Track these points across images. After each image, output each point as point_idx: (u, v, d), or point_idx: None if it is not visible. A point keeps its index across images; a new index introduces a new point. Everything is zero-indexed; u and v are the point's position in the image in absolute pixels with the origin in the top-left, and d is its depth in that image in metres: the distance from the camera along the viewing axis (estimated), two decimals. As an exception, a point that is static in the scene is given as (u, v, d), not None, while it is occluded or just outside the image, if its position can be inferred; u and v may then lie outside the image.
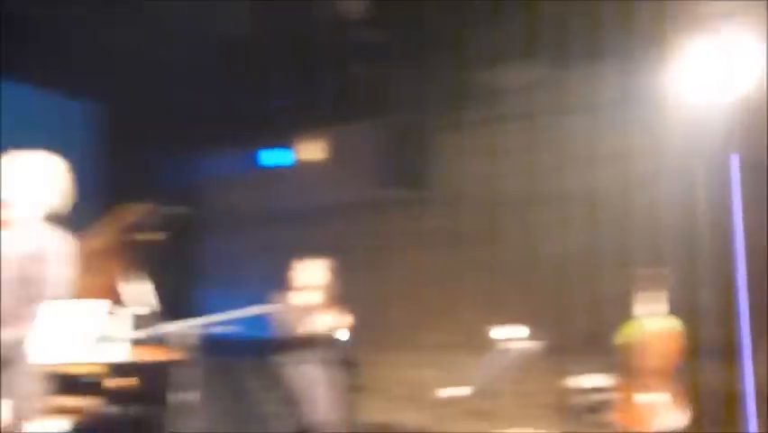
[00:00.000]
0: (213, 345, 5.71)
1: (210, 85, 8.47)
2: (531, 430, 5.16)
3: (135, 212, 3.73)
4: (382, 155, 8.61)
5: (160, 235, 3.93)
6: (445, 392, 4.90)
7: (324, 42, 7.33)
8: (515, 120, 8.20)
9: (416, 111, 8.28)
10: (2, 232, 2.87)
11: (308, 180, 9.74)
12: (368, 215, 9.12)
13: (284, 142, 9.97)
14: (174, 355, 3.82)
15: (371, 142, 8.78)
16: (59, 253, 2.89)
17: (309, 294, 5.13)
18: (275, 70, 8.03)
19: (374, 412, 8.91)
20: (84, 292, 3.94)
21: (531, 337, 4.85)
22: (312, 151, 9.82)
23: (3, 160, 2.92)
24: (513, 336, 4.59)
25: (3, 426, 2.77)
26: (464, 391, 4.53)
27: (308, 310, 5.02)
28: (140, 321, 3.81)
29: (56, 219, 2.98)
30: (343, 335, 5.12)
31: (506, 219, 8.17)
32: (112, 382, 3.33)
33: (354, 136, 9.25)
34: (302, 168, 9.85)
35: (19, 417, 2.86)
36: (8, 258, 2.83)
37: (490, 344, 4.70)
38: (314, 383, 4.88)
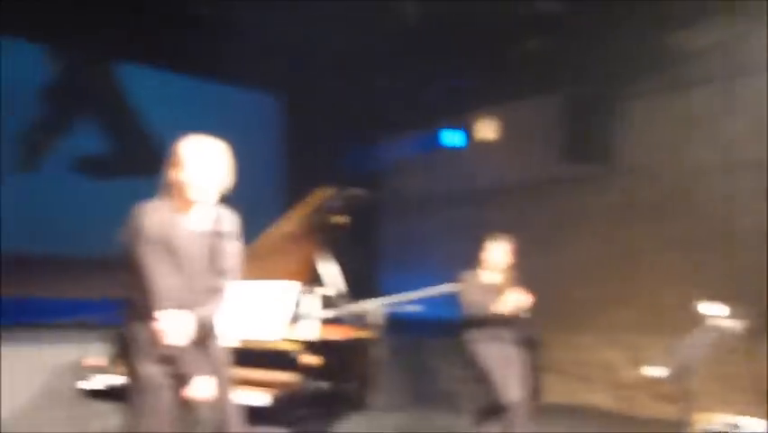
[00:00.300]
0: (400, 324, 5.82)
1: (386, 71, 8.60)
2: (737, 416, 4.78)
3: (323, 196, 3.81)
4: (563, 129, 8.29)
5: (346, 218, 4.00)
6: (640, 372, 4.63)
7: (500, 17, 7.15)
8: (704, 84, 7.65)
9: (598, 82, 7.90)
10: (185, 211, 3.07)
11: (487, 159, 9.65)
12: (550, 191, 8.89)
13: (461, 122, 9.94)
14: (362, 334, 3.90)
15: (551, 116, 8.48)
16: (233, 230, 3.15)
17: (497, 273, 5.05)
18: (451, 51, 7.97)
19: (559, 393, 8.73)
20: (277, 273, 4.14)
21: (732, 316, 4.47)
22: (490, 129, 9.70)
23: (183, 144, 3.09)
24: (712, 315, 4.24)
25: (207, 400, 2.96)
26: (659, 372, 4.25)
27: (496, 289, 4.94)
28: (328, 301, 3.91)
29: (224, 200, 3.18)
30: (527, 314, 5.02)
31: (698, 190, 7.66)
32: (306, 359, 3.42)
33: (533, 111, 8.99)
34: (481, 147, 9.77)
35: (221, 391, 3.05)
36: (193, 236, 3.06)
37: (684, 323, 4.39)
38: (504, 362, 4.81)
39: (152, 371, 2.93)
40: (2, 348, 5.96)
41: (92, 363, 3.85)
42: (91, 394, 3.85)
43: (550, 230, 8.69)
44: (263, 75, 8.91)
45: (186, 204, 3.08)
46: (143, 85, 9.18)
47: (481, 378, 4.86)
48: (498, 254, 5.05)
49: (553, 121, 8.38)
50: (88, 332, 4.25)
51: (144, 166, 8.90)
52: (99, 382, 3.73)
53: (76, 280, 7.78)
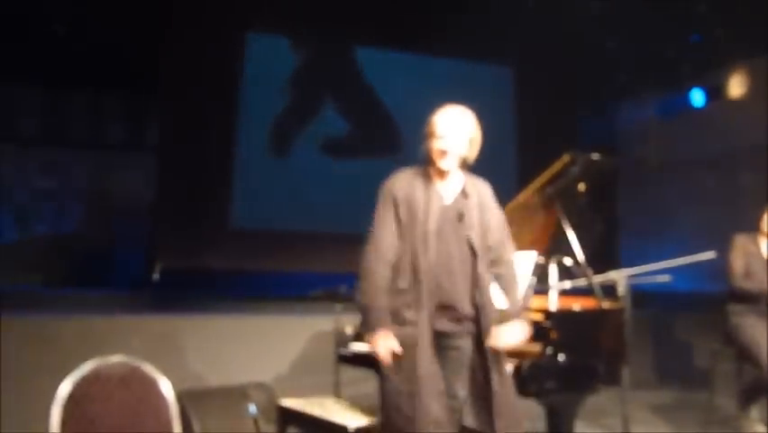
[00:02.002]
0: (647, 297, 5.62)
1: (618, 33, 8.25)
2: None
3: (564, 163, 3.76)
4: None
5: (586, 185, 3.93)
6: None
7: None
8: None
9: None
10: (440, 180, 3.12)
11: (740, 118, 8.93)
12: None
13: (708, 79, 9.29)
14: (605, 306, 3.83)
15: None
16: (493, 198, 3.21)
17: (762, 242, 4.63)
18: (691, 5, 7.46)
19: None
20: (516, 243, 4.17)
21: None
22: (743, 84, 8.98)
23: (437, 115, 3.12)
24: None
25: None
26: None
27: (760, 260, 4.55)
28: (568, 271, 3.87)
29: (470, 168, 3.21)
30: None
31: None
32: (545, 329, 3.43)
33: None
34: (732, 104, 9.07)
35: None
36: (445, 204, 3.09)
37: None
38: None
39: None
40: (268, 318, 6.59)
41: (346, 331, 4.14)
42: (346, 360, 4.14)
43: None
44: (495, 47, 8.92)
45: (439, 173, 3.12)
46: (380, 67, 9.57)
47: (745, 355, 4.54)
48: None
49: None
50: (343, 303, 4.55)
51: (384, 146, 9.38)
52: (353, 349, 4.00)
53: (330, 255, 8.33)
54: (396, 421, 2.93)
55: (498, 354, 3.04)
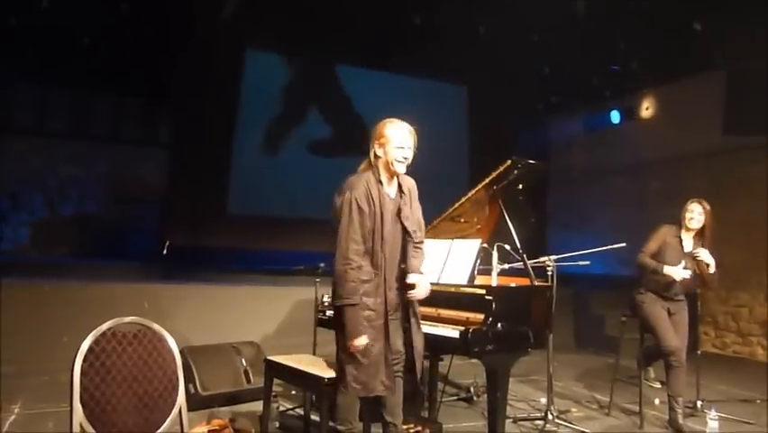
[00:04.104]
0: (570, 278, 5.69)
1: (555, 60, 8.30)
2: None
3: (506, 167, 3.78)
4: (726, 104, 7.51)
5: (523, 185, 3.96)
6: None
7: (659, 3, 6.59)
8: None
9: (763, 57, 7.05)
10: (388, 182, 3.11)
11: (649, 135, 9.05)
12: (708, 162, 8.13)
13: (625, 102, 9.41)
14: (535, 284, 3.86)
15: (713, 92, 7.73)
16: (416, 192, 3.22)
17: (689, 236, 4.58)
18: (615, 39, 7.51)
19: (714, 344, 8.15)
20: (466, 232, 4.20)
21: None
22: (652, 107, 9.11)
23: (387, 126, 3.11)
24: None
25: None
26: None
27: (681, 251, 4.52)
28: (506, 256, 3.90)
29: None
30: (683, 273, 4.58)
31: None
32: (487, 302, 3.45)
33: (694, 88, 8.24)
34: (643, 124, 9.19)
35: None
36: (391, 201, 3.11)
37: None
38: (667, 313, 4.51)
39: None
40: (258, 288, 6.56)
41: (324, 300, 4.14)
42: (322, 324, 4.14)
43: (708, 197, 7.98)
44: (452, 69, 8.93)
45: (390, 176, 3.12)
46: (357, 82, 9.53)
47: (646, 326, 4.59)
48: (692, 215, 4.50)
49: (714, 96, 7.64)
50: (320, 277, 4.54)
51: (358, 148, 9.32)
52: (329, 314, 3.99)
53: (310, 236, 8.33)
54: (352, 387, 3.02)
55: (412, 303, 3.16)
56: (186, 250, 8.14)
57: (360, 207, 2.99)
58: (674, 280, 4.42)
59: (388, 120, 3.15)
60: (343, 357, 3.04)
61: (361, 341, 2.97)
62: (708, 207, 4.54)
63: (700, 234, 4.57)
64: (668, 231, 4.57)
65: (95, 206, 10.29)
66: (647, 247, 4.53)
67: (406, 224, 3.10)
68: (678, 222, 4.59)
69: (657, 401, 5.08)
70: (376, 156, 3.10)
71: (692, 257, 4.45)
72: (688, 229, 4.56)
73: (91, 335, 2.26)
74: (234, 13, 7.59)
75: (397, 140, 3.08)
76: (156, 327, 2.43)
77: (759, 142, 7.40)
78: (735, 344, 7.95)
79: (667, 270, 4.39)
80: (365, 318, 2.99)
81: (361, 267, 2.98)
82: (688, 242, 4.57)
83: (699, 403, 4.87)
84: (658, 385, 5.04)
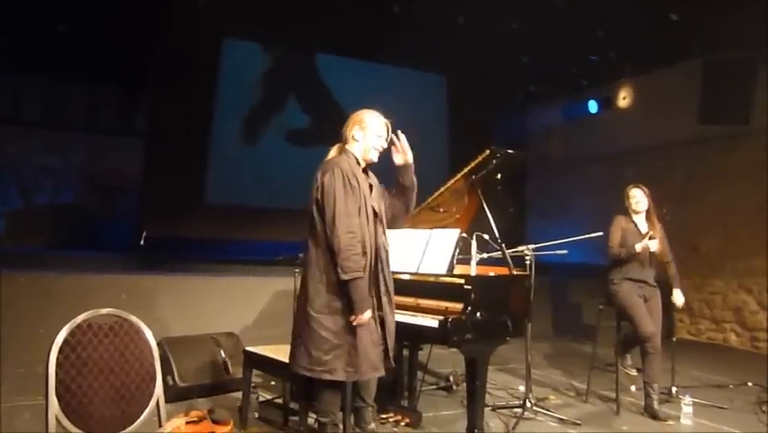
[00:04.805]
0: (548, 267, 5.72)
1: (532, 48, 8.32)
2: None
3: (484, 156, 3.78)
4: (700, 93, 7.59)
5: (502, 174, 3.96)
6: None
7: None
8: None
9: (740, 47, 7.13)
10: (365, 168, 3.16)
11: (626, 124, 9.13)
12: (684, 151, 8.23)
13: (602, 91, 9.47)
14: (514, 273, 3.88)
15: (689, 81, 7.80)
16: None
17: (640, 218, 4.77)
18: (592, 28, 7.54)
19: (689, 331, 8.28)
20: (445, 222, 4.20)
21: None
22: (629, 96, 9.18)
23: (369, 115, 3.17)
24: None
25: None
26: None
27: (639, 232, 4.69)
28: (485, 245, 3.91)
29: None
30: (662, 258, 4.73)
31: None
32: (466, 291, 3.46)
33: (671, 78, 8.33)
34: (620, 113, 9.27)
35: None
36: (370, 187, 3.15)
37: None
38: (642, 300, 4.59)
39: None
40: (236, 279, 6.52)
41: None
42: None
43: (684, 185, 8.13)
44: (432, 58, 8.91)
45: (367, 163, 3.18)
46: (336, 71, 9.47)
47: (622, 314, 4.68)
48: (636, 199, 4.73)
49: (690, 86, 7.72)
50: (299, 267, 4.53)
51: (337, 138, 9.28)
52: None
53: (289, 226, 8.30)
54: (345, 371, 2.99)
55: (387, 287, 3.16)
56: (163, 240, 8.07)
57: (350, 183, 3.00)
58: (651, 252, 4.58)
59: (367, 110, 3.20)
60: (336, 341, 2.97)
61: (368, 314, 2.98)
62: (646, 190, 4.78)
63: (649, 217, 4.77)
64: (622, 219, 4.77)
65: (71, 195, 10.15)
66: (612, 240, 4.71)
67: (373, 205, 3.11)
68: (625, 210, 4.79)
69: (633, 388, 5.15)
70: (354, 139, 3.14)
71: (649, 238, 4.61)
72: (636, 213, 4.76)
73: (67, 327, 2.23)
74: (212, 1, 7.49)
75: (377, 129, 3.15)
76: (133, 318, 2.41)
77: (734, 131, 7.51)
78: (708, 330, 8.08)
79: (638, 246, 4.55)
80: None
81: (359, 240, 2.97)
82: (642, 224, 4.76)
83: (674, 389, 4.96)
84: (634, 372, 5.11)
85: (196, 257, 7.57)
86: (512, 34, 7.74)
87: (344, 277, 2.91)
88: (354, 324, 2.96)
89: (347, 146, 3.16)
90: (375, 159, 3.16)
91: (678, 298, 4.82)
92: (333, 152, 3.20)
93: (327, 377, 2.99)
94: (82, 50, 8.22)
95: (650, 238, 4.58)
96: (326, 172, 3.03)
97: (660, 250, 4.66)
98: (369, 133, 3.13)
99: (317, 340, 2.99)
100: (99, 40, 7.85)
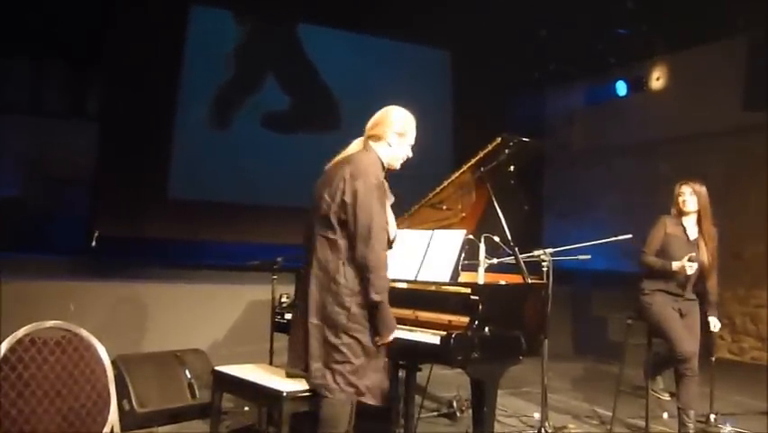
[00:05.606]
0: (568, 275, 5.73)
1: (553, 22, 8.34)
2: None
3: (495, 145, 3.78)
4: (745, 75, 7.62)
5: (515, 166, 3.97)
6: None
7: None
8: None
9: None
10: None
11: (660, 109, 9.16)
12: (726, 141, 8.26)
13: (634, 71, 9.50)
14: (528, 282, 3.89)
15: (732, 62, 7.83)
16: None
17: (690, 222, 4.65)
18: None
19: (730, 349, 8.32)
20: (449, 222, 4.21)
21: None
22: (663, 77, 9.22)
23: (408, 119, 3.22)
24: None
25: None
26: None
27: (686, 241, 4.59)
28: (495, 249, 3.92)
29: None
30: (708, 272, 4.64)
31: None
32: (471, 303, 3.47)
33: (711, 57, 8.38)
34: (654, 96, 9.29)
35: None
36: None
37: None
38: (679, 315, 4.57)
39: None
40: (205, 287, 6.52)
41: (283, 300, 4.13)
42: (281, 329, 4.13)
43: (725, 181, 8.16)
44: (434, 31, 8.92)
45: (388, 169, 3.20)
46: (321, 44, 9.48)
47: (655, 330, 4.65)
48: (683, 198, 4.60)
49: (733, 67, 7.75)
50: (278, 273, 4.53)
51: (323, 122, 9.33)
52: (288, 317, 3.98)
53: (266, 226, 8.31)
54: (373, 395, 3.10)
55: None
56: (119, 241, 8.08)
57: (386, 195, 3.07)
58: (688, 275, 4.50)
59: (407, 111, 3.24)
60: (364, 364, 3.06)
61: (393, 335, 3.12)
62: (697, 187, 4.64)
63: (699, 221, 4.66)
64: (667, 221, 4.67)
65: (11, 189, 10.12)
66: (649, 244, 4.64)
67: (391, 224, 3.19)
68: (677, 210, 4.68)
69: (666, 415, 5.18)
70: (387, 143, 3.18)
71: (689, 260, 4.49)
72: (686, 213, 4.64)
73: (5, 342, 2.23)
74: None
75: (413, 138, 3.23)
76: (83, 332, 2.41)
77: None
78: (753, 349, 8.12)
79: (676, 265, 4.46)
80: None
81: None
82: (692, 229, 4.66)
83: (712, 417, 4.98)
84: (667, 397, 5.13)
85: (157, 261, 7.57)
86: (528, 3, 7.75)
87: (376, 298, 3.00)
88: (379, 344, 3.09)
89: (373, 144, 3.17)
90: (398, 168, 3.22)
91: (714, 325, 4.72)
92: (355, 145, 3.20)
93: (371, 401, 3.10)
94: (21, 18, 8.17)
95: (689, 260, 4.44)
96: (359, 177, 3.03)
97: (708, 263, 4.57)
98: (406, 142, 3.20)
99: (358, 360, 3.07)
100: (42, 5, 7.80)
